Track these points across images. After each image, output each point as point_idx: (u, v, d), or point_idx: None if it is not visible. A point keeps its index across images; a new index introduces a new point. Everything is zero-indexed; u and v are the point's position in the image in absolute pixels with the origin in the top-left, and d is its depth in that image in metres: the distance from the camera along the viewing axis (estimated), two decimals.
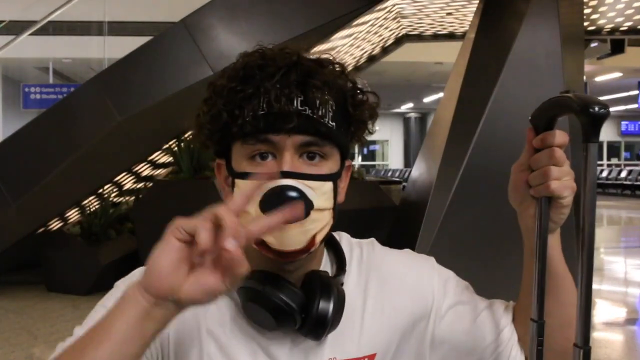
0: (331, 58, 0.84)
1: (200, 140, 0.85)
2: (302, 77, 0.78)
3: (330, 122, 0.80)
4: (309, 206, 0.78)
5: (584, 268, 0.73)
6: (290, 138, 0.78)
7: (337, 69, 0.83)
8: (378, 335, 0.90)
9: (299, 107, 0.77)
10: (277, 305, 0.79)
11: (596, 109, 0.71)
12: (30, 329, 4.70)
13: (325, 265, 0.91)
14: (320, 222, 0.80)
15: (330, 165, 0.82)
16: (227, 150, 0.84)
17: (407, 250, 1.01)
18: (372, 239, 0.99)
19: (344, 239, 0.96)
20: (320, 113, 0.79)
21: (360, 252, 0.95)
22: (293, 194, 0.76)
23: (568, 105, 0.74)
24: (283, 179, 0.77)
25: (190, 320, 0.85)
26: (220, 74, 0.83)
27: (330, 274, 0.88)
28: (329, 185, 0.81)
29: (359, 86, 0.85)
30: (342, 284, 0.86)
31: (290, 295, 0.80)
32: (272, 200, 0.76)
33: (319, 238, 0.81)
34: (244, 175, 0.80)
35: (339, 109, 0.81)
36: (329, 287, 0.82)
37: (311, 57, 0.83)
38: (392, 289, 0.92)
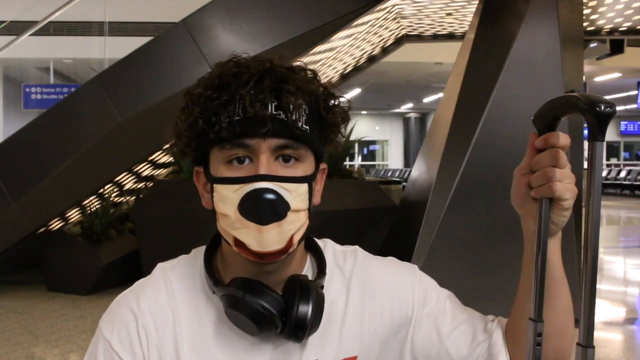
0: (302, 65, 0.87)
1: (178, 147, 0.88)
2: (275, 82, 0.81)
3: (304, 126, 0.82)
4: (285, 207, 0.80)
5: (588, 267, 0.74)
6: (266, 141, 0.81)
7: (309, 75, 0.86)
8: (359, 338, 0.92)
9: (274, 112, 0.80)
10: (257, 311, 0.82)
11: (602, 107, 0.71)
12: (31, 329, 4.71)
13: (308, 269, 0.94)
14: (296, 222, 0.82)
15: (305, 168, 0.84)
16: (205, 157, 0.86)
17: (390, 258, 1.03)
18: (356, 247, 1.02)
19: (329, 245, 0.99)
20: (294, 117, 0.81)
21: (344, 259, 0.98)
22: (270, 196, 0.80)
23: (574, 104, 0.75)
24: (260, 182, 0.80)
25: (168, 337, 0.87)
26: (197, 84, 0.85)
27: (311, 278, 0.90)
28: (304, 187, 0.83)
29: (331, 91, 0.88)
30: (322, 287, 0.88)
31: (270, 300, 0.82)
32: (251, 203, 0.80)
33: (296, 238, 0.83)
34: (222, 180, 0.83)
35: (312, 113, 0.84)
36: (308, 290, 0.84)
37: (283, 64, 0.85)
38: (373, 296, 0.95)
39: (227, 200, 0.82)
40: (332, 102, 0.87)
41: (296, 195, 0.82)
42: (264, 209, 0.79)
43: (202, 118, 0.82)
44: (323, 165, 0.91)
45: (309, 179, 0.85)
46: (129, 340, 0.86)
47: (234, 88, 0.81)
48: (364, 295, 0.94)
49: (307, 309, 0.83)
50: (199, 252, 0.94)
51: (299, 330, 0.83)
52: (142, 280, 0.94)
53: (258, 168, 0.80)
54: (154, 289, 0.90)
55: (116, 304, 0.91)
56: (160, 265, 0.95)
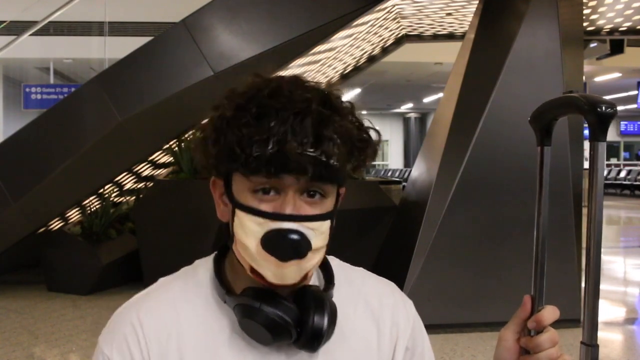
0: (346, 103, 0.85)
1: (202, 163, 0.87)
2: (316, 125, 0.79)
3: (334, 163, 0.80)
4: (307, 247, 0.80)
5: (591, 266, 0.75)
6: (296, 180, 0.80)
7: (347, 110, 0.84)
8: (367, 350, 0.94)
9: (308, 152, 0.78)
10: (273, 321, 0.82)
11: (604, 108, 0.72)
12: (31, 329, 4.71)
13: (315, 280, 0.95)
14: (315, 260, 0.83)
15: (328, 204, 0.84)
16: (228, 173, 0.85)
17: (392, 284, 1.05)
18: (361, 268, 1.03)
19: (335, 260, 1.00)
20: (327, 160, 0.79)
21: (351, 272, 1.00)
22: (294, 236, 0.79)
23: (575, 104, 0.75)
24: (285, 222, 0.79)
25: (171, 348, 0.86)
26: (228, 100, 0.83)
27: (320, 288, 0.90)
28: (327, 224, 0.84)
29: (365, 127, 0.87)
30: (331, 297, 0.90)
31: (286, 310, 0.83)
32: (274, 240, 0.79)
33: (311, 273, 0.84)
34: (248, 210, 0.82)
35: (343, 149, 0.82)
36: (322, 301, 0.85)
37: (328, 96, 0.83)
38: (375, 314, 0.97)
39: (249, 231, 0.81)
40: (366, 137, 0.86)
41: (319, 234, 0.82)
42: (287, 248, 0.79)
43: (237, 146, 0.79)
44: (342, 190, 0.90)
45: (331, 215, 0.84)
46: (129, 355, 0.85)
47: (273, 123, 0.78)
48: (371, 311, 0.96)
49: (323, 319, 0.83)
50: (203, 263, 0.94)
51: (315, 340, 0.83)
52: (142, 292, 0.92)
53: (284, 206, 0.80)
54: (155, 301, 0.89)
55: (115, 318, 0.89)
56: (161, 279, 0.94)
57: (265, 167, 0.79)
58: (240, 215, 0.82)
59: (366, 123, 0.88)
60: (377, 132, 0.89)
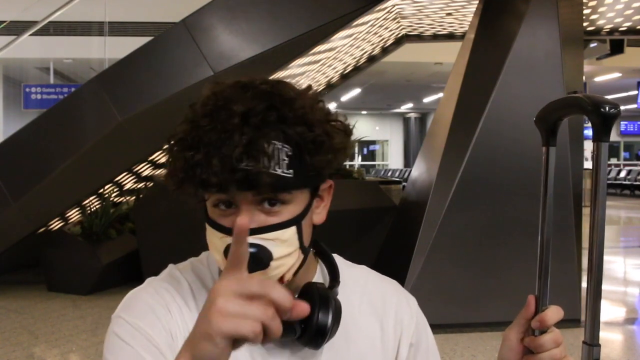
0: (300, 105, 0.81)
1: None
2: (248, 140, 0.77)
3: (285, 171, 0.78)
4: (268, 258, 0.79)
5: (593, 266, 0.75)
6: (244, 195, 0.79)
7: (299, 111, 0.81)
8: (371, 348, 0.94)
9: (248, 166, 0.77)
10: None
11: (607, 108, 0.73)
12: (31, 329, 4.71)
13: (318, 277, 0.95)
14: (284, 266, 0.82)
15: (292, 209, 0.82)
16: None
17: (395, 282, 1.05)
18: (364, 266, 1.03)
19: (339, 259, 0.99)
20: (271, 169, 0.77)
21: (354, 270, 1.00)
22: (251, 249, 0.77)
23: (579, 105, 0.76)
24: None
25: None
26: (179, 124, 0.84)
27: (325, 286, 0.91)
28: (291, 230, 0.82)
29: (326, 126, 0.83)
30: (336, 295, 0.90)
31: None
32: None
33: (287, 276, 0.83)
34: (210, 223, 0.83)
35: (296, 154, 0.80)
36: (327, 298, 0.85)
37: (276, 102, 0.80)
38: (380, 311, 0.97)
39: (213, 244, 0.83)
40: (322, 138, 0.82)
41: (280, 243, 0.81)
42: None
43: (183, 170, 0.81)
44: (328, 183, 0.89)
45: (296, 220, 0.82)
46: (159, 323, 0.84)
47: (208, 143, 0.78)
48: (375, 309, 0.97)
49: (327, 316, 0.84)
50: (209, 255, 0.94)
51: (319, 337, 0.84)
52: (154, 277, 0.92)
53: None
54: (172, 283, 0.89)
55: (134, 296, 0.88)
56: (171, 265, 0.94)
57: (208, 186, 0.79)
58: (207, 227, 0.84)
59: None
60: (347, 126, 0.87)
